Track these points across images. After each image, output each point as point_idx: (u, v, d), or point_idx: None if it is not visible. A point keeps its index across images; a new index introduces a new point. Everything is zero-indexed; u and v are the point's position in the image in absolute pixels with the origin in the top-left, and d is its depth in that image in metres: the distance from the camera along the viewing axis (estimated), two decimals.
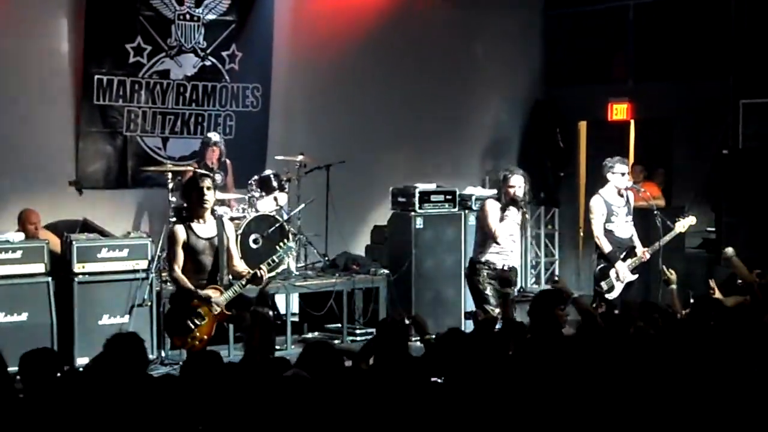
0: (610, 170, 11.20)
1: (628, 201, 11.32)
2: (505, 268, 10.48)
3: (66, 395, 5.93)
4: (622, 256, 11.08)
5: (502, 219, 10.58)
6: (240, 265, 9.69)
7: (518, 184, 10.61)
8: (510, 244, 10.76)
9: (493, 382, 6.28)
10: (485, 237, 10.70)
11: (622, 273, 11.02)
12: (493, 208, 10.67)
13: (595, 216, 11.15)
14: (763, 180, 13.50)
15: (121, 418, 5.65)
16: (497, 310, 10.25)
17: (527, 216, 11.10)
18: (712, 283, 10.61)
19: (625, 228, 11.22)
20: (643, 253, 11.13)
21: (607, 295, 10.95)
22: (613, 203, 11.17)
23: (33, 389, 6.04)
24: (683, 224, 11.30)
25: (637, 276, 11.18)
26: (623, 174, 11.21)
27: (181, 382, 5.91)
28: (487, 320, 8.78)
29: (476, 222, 11.07)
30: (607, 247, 11.07)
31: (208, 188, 9.50)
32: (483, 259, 10.67)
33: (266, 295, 9.35)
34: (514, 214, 10.64)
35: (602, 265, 11.15)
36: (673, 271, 10.30)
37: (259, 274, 9.39)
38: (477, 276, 10.66)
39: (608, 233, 11.11)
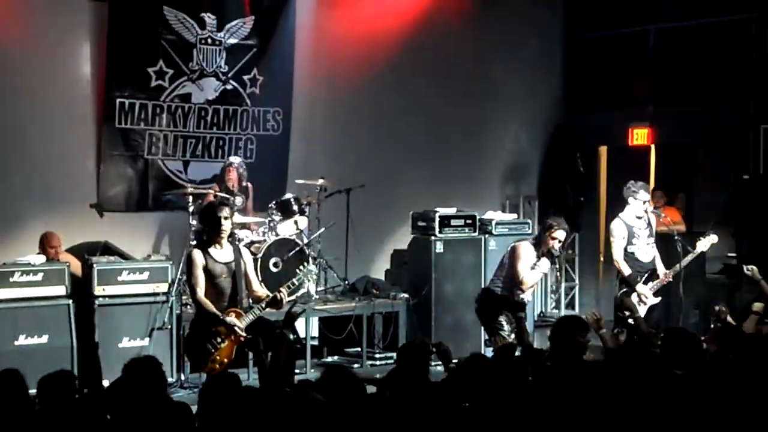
0: (633, 194, 11.14)
1: (649, 224, 11.27)
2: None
3: (84, 418, 5.94)
4: (642, 280, 11.04)
5: (533, 267, 10.47)
6: (260, 290, 9.71)
7: (560, 238, 10.43)
8: (530, 294, 10.74)
9: (515, 409, 6.26)
10: (511, 277, 10.55)
11: (644, 295, 10.97)
12: (527, 252, 10.46)
13: (616, 239, 11.10)
14: None
15: None
16: (512, 336, 10.25)
17: (556, 270, 11.05)
18: (722, 309, 10.46)
19: (646, 250, 11.17)
20: (665, 275, 11.08)
21: (629, 320, 10.86)
22: (634, 225, 11.12)
23: (50, 412, 6.05)
24: (704, 243, 11.25)
25: (659, 299, 11.13)
26: (645, 201, 11.17)
27: (200, 406, 5.91)
28: (507, 346, 8.76)
29: (508, 258, 10.84)
30: (626, 271, 11.03)
31: (225, 218, 9.53)
32: (499, 293, 10.60)
33: (293, 317, 9.37)
34: (545, 265, 10.52)
35: (624, 290, 11.10)
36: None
37: (278, 297, 9.40)
38: (490, 305, 10.58)
39: (629, 256, 11.07)
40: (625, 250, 11.07)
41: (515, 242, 10.88)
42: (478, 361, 7.02)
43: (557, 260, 10.70)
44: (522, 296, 10.56)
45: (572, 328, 8.11)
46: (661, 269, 11.14)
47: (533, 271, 10.41)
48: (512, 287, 10.49)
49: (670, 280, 11.08)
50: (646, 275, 11.08)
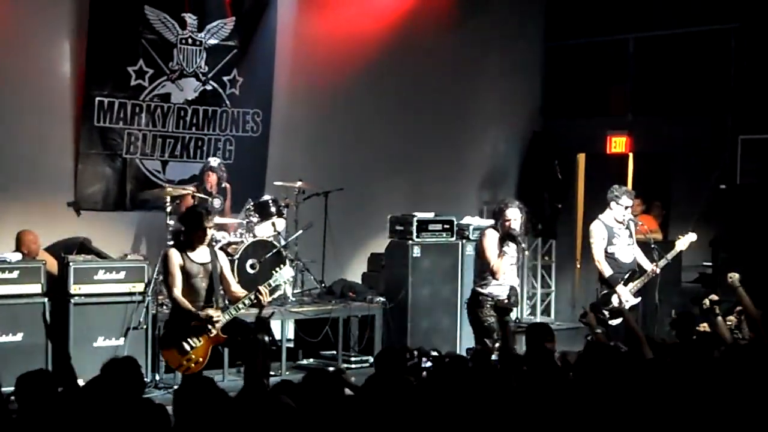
0: (615, 199, 11.18)
1: (628, 227, 11.32)
2: (506, 299, 10.46)
3: (62, 417, 5.91)
4: (623, 281, 11.07)
5: (500, 255, 10.50)
6: (238, 290, 9.72)
7: (514, 216, 10.50)
8: (510, 275, 10.70)
9: (490, 414, 6.26)
10: (484, 267, 10.63)
11: (624, 297, 11.00)
12: (491, 239, 10.55)
13: (595, 240, 11.14)
14: (761, 215, 13.54)
15: None
16: (498, 344, 10.26)
17: (525, 249, 11.06)
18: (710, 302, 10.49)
19: (626, 251, 11.22)
20: (652, 270, 11.10)
21: (610, 322, 10.90)
22: (614, 227, 11.17)
23: (29, 410, 6.03)
24: (684, 242, 11.32)
25: (639, 299, 11.17)
26: (626, 207, 11.21)
27: (176, 408, 5.89)
28: (483, 351, 8.78)
29: (475, 251, 10.99)
30: (607, 271, 11.07)
31: (210, 228, 9.60)
32: (486, 291, 10.58)
33: (264, 321, 9.37)
34: (512, 250, 10.57)
35: (604, 292, 11.14)
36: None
37: (261, 292, 9.40)
38: (480, 308, 10.56)
39: (610, 256, 11.11)
40: (606, 251, 11.11)
41: (479, 233, 10.95)
42: (458, 363, 7.04)
43: (520, 239, 10.66)
44: (500, 286, 10.54)
45: (539, 334, 8.29)
46: (648, 266, 11.14)
47: (502, 258, 10.45)
48: (486, 277, 10.53)
49: (657, 272, 11.09)
50: (626, 276, 11.11)
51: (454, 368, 6.96)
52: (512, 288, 10.65)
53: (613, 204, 11.21)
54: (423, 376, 8.16)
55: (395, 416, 6.12)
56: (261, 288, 9.49)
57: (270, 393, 6.64)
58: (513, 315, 11.05)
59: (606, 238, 11.10)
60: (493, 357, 8.55)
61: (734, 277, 10.24)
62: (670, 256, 11.17)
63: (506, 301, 10.37)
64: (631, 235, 11.29)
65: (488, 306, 10.44)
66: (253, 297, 9.43)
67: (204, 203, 12.03)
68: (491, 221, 13.18)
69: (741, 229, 13.69)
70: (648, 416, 6.29)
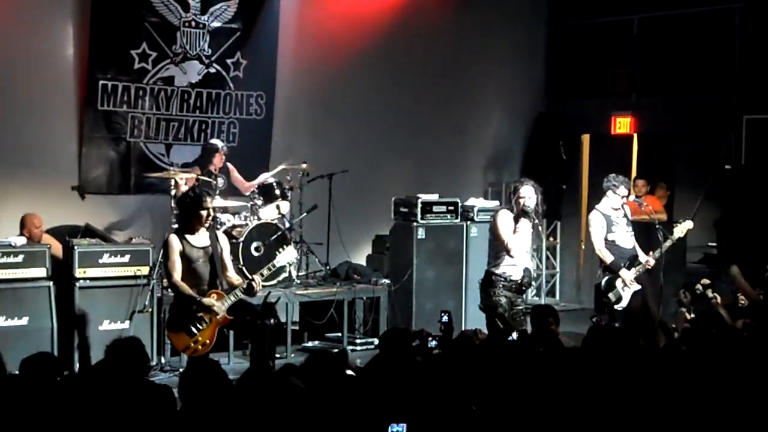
0: (613, 188, 11.18)
1: (626, 214, 11.33)
2: (521, 281, 10.50)
3: (66, 399, 5.93)
4: (626, 265, 11.08)
5: (515, 231, 10.49)
6: (233, 276, 9.70)
7: (528, 194, 10.47)
8: (524, 256, 10.68)
9: (502, 394, 6.28)
10: (499, 248, 10.61)
11: (629, 280, 11.02)
12: (505, 218, 10.50)
13: (594, 229, 11.16)
14: (765, 195, 13.52)
15: (122, 423, 5.65)
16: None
17: (540, 228, 11.04)
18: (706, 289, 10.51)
19: (626, 237, 11.22)
20: (647, 261, 11.12)
21: (615, 306, 10.96)
22: (611, 215, 11.18)
23: (33, 393, 6.04)
24: (681, 229, 11.33)
25: (640, 287, 11.17)
26: (623, 197, 11.22)
27: (181, 391, 5.90)
28: (504, 330, 8.83)
29: (490, 232, 10.92)
30: (609, 258, 11.08)
31: (209, 209, 9.55)
32: (499, 271, 10.56)
33: (271, 306, 9.39)
34: (526, 226, 10.51)
35: (608, 277, 11.14)
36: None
37: (252, 285, 9.42)
38: (493, 287, 10.56)
39: (610, 244, 11.12)
40: (606, 239, 11.11)
41: (492, 215, 10.96)
42: (467, 343, 7.07)
43: (535, 216, 10.65)
44: (514, 266, 10.53)
45: (543, 316, 8.41)
46: (642, 256, 11.18)
47: (516, 234, 10.44)
48: (500, 257, 10.50)
49: (652, 264, 11.10)
50: (628, 262, 11.12)
51: (464, 347, 6.98)
52: (526, 269, 10.65)
53: (610, 192, 11.22)
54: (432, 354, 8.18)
55: (401, 394, 6.13)
56: (255, 277, 9.50)
57: (277, 374, 6.66)
58: (526, 296, 11.05)
59: (605, 226, 11.11)
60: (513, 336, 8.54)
61: (734, 269, 10.27)
62: (664, 247, 11.16)
63: (519, 282, 10.43)
64: (628, 223, 11.30)
65: (501, 286, 10.46)
66: (245, 286, 9.43)
67: (207, 185, 12.01)
68: (496, 202, 13.24)
69: (746, 209, 13.67)
70: (652, 400, 6.30)
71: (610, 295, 11.02)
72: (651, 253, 11.16)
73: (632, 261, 11.11)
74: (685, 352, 7.36)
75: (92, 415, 5.77)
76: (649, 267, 11.09)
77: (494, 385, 6.40)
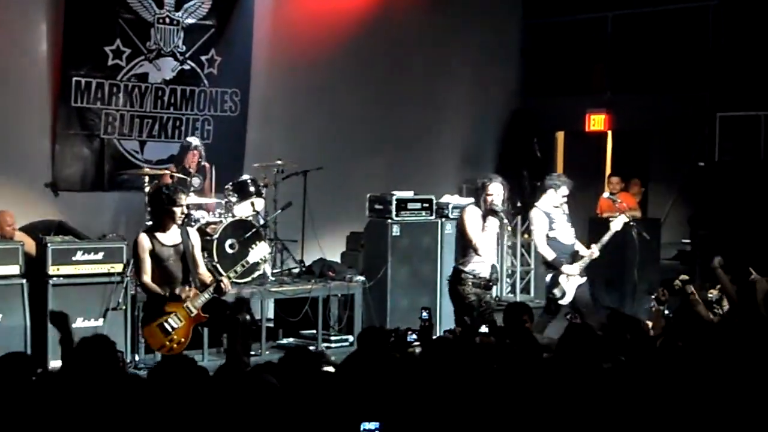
0: (555, 187, 11.28)
1: (564, 210, 11.41)
2: (488, 278, 10.55)
3: (40, 398, 5.90)
4: (567, 261, 11.17)
5: (483, 229, 10.50)
6: (204, 274, 9.67)
7: (496, 192, 10.49)
8: (491, 254, 10.71)
9: (477, 392, 6.27)
10: (465, 244, 10.63)
11: (572, 272, 11.09)
12: (472, 215, 10.52)
13: (536, 227, 11.25)
14: (739, 193, 13.59)
15: (96, 420, 5.62)
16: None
17: (507, 226, 11.06)
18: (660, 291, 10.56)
19: (567, 234, 11.33)
20: (590, 253, 11.20)
21: (560, 302, 11.15)
22: (551, 212, 11.28)
23: (7, 393, 6.01)
24: (617, 223, 11.43)
25: (585, 279, 11.23)
26: (564, 196, 11.29)
27: (151, 386, 5.88)
28: (469, 328, 8.83)
29: (456, 229, 10.98)
30: (550, 255, 11.17)
31: (180, 206, 9.52)
32: (467, 269, 10.58)
33: (243, 301, 9.37)
34: (493, 224, 10.55)
35: (551, 274, 11.23)
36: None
37: (221, 285, 9.40)
38: (462, 285, 10.57)
39: (552, 241, 11.20)
40: (547, 236, 11.16)
41: (460, 211, 10.98)
42: (444, 344, 7.07)
43: (503, 214, 10.69)
44: (482, 263, 10.56)
45: (518, 314, 8.45)
46: (583, 250, 11.24)
47: (484, 233, 10.45)
48: (468, 254, 10.53)
49: (596, 255, 11.18)
50: (570, 257, 11.21)
51: (442, 344, 6.98)
52: (493, 266, 10.67)
53: (551, 191, 11.32)
54: (409, 350, 8.18)
55: (376, 392, 6.12)
56: (223, 279, 9.49)
57: (252, 371, 6.64)
58: (493, 293, 11.08)
59: (546, 223, 11.16)
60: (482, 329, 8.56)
61: (717, 261, 10.30)
62: (605, 239, 11.26)
63: (488, 279, 10.46)
64: (568, 220, 11.38)
65: (470, 283, 10.48)
66: (214, 287, 9.41)
67: (182, 183, 11.98)
68: (471, 199, 13.23)
69: (719, 206, 13.73)
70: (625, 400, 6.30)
71: (555, 291, 11.16)
72: (593, 245, 11.26)
73: (573, 256, 11.19)
74: (668, 349, 7.37)
75: (67, 413, 5.74)
76: (594, 258, 11.18)
77: (468, 383, 6.38)
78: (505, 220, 10.61)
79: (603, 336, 7.51)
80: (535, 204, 11.38)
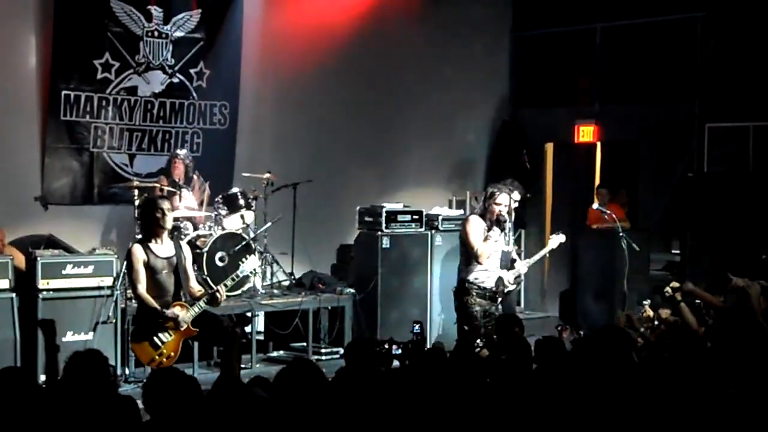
0: (510, 193, 11.09)
1: (511, 217, 11.35)
2: (495, 288, 10.58)
3: (31, 413, 5.88)
4: (507, 268, 11.12)
5: (486, 239, 10.49)
6: (195, 287, 9.67)
7: (505, 202, 10.54)
8: (494, 263, 10.70)
9: (469, 402, 6.28)
10: (468, 253, 10.61)
11: (508, 281, 11.02)
12: (476, 225, 10.54)
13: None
14: (728, 203, 13.60)
15: None
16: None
17: (507, 235, 11.06)
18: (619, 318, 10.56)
19: (507, 241, 11.37)
20: (517, 270, 11.11)
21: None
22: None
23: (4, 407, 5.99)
24: (554, 241, 11.46)
25: (515, 287, 11.24)
26: (516, 201, 11.36)
27: (145, 400, 5.86)
28: (468, 337, 8.87)
29: (459, 239, 10.94)
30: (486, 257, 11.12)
31: (168, 210, 9.52)
32: (471, 278, 10.59)
33: (246, 318, 9.38)
34: (497, 236, 10.57)
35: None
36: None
37: (216, 296, 9.41)
38: (467, 295, 10.59)
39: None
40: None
41: (463, 220, 10.98)
42: (436, 354, 7.07)
43: (508, 225, 10.69)
44: (491, 276, 10.57)
45: (509, 325, 8.51)
46: (519, 261, 11.19)
47: (486, 243, 10.46)
48: (470, 264, 10.54)
49: (524, 272, 11.15)
50: (507, 264, 11.20)
51: (431, 357, 6.98)
52: (499, 278, 10.69)
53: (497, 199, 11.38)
54: (394, 364, 8.19)
55: (367, 406, 6.12)
56: (219, 288, 9.50)
57: (243, 386, 6.64)
58: (499, 306, 11.08)
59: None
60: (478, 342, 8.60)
61: (687, 286, 10.23)
62: (537, 256, 11.33)
63: (494, 289, 10.50)
64: (511, 228, 11.37)
65: (474, 294, 10.51)
66: (209, 297, 9.41)
67: (171, 195, 11.98)
68: (460, 211, 13.27)
69: (708, 216, 13.74)
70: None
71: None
72: (525, 260, 11.28)
73: (510, 264, 11.15)
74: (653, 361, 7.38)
75: (58, 428, 5.73)
76: (521, 273, 11.13)
77: (463, 395, 6.39)
78: (509, 231, 10.64)
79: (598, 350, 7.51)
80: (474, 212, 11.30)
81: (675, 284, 10.12)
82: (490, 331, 10.06)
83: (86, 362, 6.39)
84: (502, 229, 10.57)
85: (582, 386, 6.50)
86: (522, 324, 8.90)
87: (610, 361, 6.82)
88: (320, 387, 6.00)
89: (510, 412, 6.26)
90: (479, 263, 10.50)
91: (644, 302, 10.66)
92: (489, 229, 10.48)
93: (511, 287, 11.19)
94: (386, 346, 8.38)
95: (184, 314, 9.33)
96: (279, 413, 5.78)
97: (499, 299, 10.78)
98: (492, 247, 10.54)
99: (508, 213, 10.62)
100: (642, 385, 6.55)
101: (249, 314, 9.49)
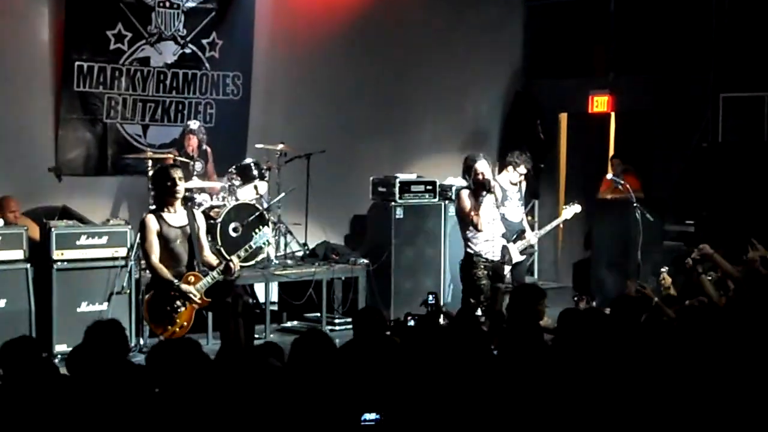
0: (515, 165, 11.85)
1: (520, 188, 11.64)
2: (501, 260, 10.67)
3: (47, 382, 5.91)
4: (513, 239, 11.28)
5: (478, 207, 10.62)
6: (210, 256, 9.71)
7: (484, 169, 10.83)
8: (493, 229, 10.80)
9: (471, 373, 6.27)
10: (467, 227, 10.75)
11: (512, 253, 11.19)
12: (466, 197, 10.83)
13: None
14: (742, 174, 13.56)
15: (104, 405, 5.63)
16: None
17: (497, 199, 11.13)
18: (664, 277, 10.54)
19: (516, 212, 11.61)
20: (527, 240, 11.34)
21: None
22: (508, 189, 11.54)
23: (13, 377, 6.02)
24: (569, 212, 11.57)
25: (524, 258, 11.38)
26: (522, 174, 11.63)
27: (150, 370, 5.88)
28: (469, 308, 8.86)
29: (456, 215, 11.11)
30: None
31: (180, 178, 9.54)
32: (476, 250, 10.71)
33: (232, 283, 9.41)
34: (489, 200, 10.72)
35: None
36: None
37: (230, 266, 9.42)
38: (474, 269, 10.72)
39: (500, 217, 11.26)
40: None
41: (455, 198, 11.37)
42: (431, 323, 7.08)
43: (494, 189, 10.80)
44: (495, 245, 10.65)
45: (531, 296, 8.31)
46: (529, 232, 11.36)
47: (480, 209, 10.64)
48: (469, 234, 10.69)
49: (534, 242, 11.35)
50: (515, 235, 11.31)
51: (432, 328, 6.98)
52: (504, 247, 10.78)
53: (510, 168, 11.71)
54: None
55: (377, 379, 6.12)
56: (233, 258, 9.52)
57: (256, 354, 6.64)
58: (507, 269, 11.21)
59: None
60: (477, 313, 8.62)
61: (705, 248, 10.20)
62: (548, 227, 11.43)
63: (500, 261, 10.57)
64: (521, 198, 11.50)
65: (482, 266, 10.61)
66: (223, 267, 9.44)
67: (185, 167, 11.99)
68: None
69: (722, 187, 13.70)
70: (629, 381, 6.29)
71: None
72: (536, 231, 11.40)
73: (519, 235, 11.29)
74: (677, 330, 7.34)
75: (74, 397, 5.75)
76: (532, 244, 11.31)
77: (462, 368, 6.36)
78: (496, 194, 10.80)
79: (611, 320, 7.50)
80: (494, 177, 11.51)
81: (696, 256, 10.10)
82: (499, 302, 10.15)
83: (106, 332, 6.43)
84: (490, 191, 10.68)
85: (601, 360, 6.48)
86: (544, 294, 8.68)
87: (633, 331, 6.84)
88: (332, 358, 6.02)
89: (519, 385, 6.25)
90: (480, 230, 10.62)
91: (662, 269, 10.64)
92: (477, 197, 10.63)
93: (520, 258, 11.26)
94: (401, 318, 8.39)
95: (198, 287, 9.35)
96: (292, 383, 5.79)
97: (507, 268, 10.88)
98: (487, 211, 10.65)
99: (520, 182, 10.72)
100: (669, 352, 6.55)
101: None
